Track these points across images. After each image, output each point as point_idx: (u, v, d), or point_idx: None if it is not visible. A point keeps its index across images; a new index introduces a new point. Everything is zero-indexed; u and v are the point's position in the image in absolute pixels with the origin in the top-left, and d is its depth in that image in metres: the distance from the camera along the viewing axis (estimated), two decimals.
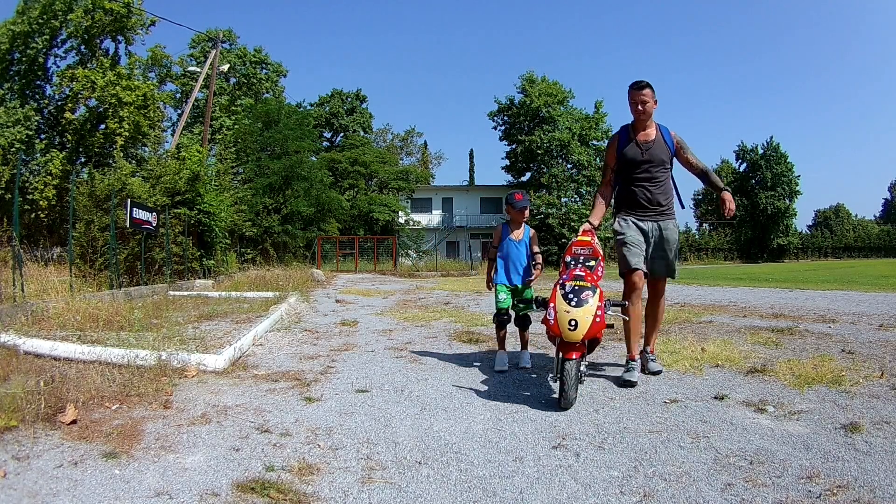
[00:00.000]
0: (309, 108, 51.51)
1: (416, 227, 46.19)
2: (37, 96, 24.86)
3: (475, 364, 5.33)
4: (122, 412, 3.63)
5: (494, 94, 48.31)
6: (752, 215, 64.22)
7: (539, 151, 43.30)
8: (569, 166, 44.28)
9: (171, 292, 12.42)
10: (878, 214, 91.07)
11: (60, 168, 22.67)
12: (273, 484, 2.55)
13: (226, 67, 31.04)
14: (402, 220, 44.07)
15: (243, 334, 6.34)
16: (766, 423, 3.41)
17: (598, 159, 44.77)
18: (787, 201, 63.58)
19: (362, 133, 54.31)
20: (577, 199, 44.12)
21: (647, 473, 2.69)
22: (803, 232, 77.67)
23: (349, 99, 55.33)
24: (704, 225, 74.03)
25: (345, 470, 2.78)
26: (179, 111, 35.66)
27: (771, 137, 66.59)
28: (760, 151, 65.25)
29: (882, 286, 14.22)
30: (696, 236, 68.53)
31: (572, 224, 39.61)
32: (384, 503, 2.43)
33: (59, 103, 24.57)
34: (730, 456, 2.90)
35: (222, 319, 8.40)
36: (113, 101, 23.00)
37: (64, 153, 23.67)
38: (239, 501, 2.41)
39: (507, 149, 47.70)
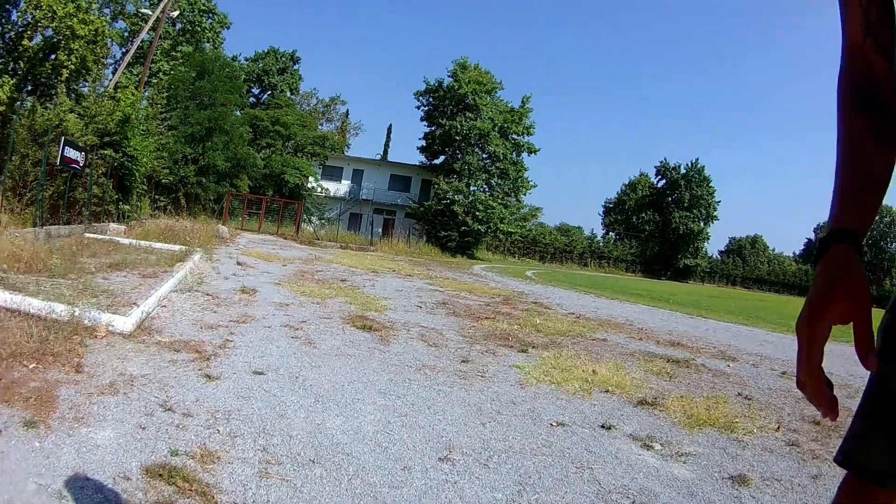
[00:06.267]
0: (244, 62, 50.61)
1: (323, 193, 45.66)
2: (2, 20, 24.51)
3: (368, 354, 5.47)
4: (38, 373, 3.61)
5: (425, 75, 47.59)
6: (663, 232, 63.37)
7: (457, 137, 42.75)
8: (484, 156, 44.02)
9: (87, 234, 12.95)
10: (797, 252, 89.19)
11: (9, 95, 22.20)
12: (179, 471, 2.61)
13: (175, 14, 30.72)
14: (311, 186, 43.42)
15: (150, 294, 6.40)
16: (651, 462, 3.45)
17: (514, 153, 44.69)
18: (701, 224, 62.95)
19: (289, 94, 53.28)
20: (487, 189, 44.13)
21: (529, 500, 2.81)
22: (714, 256, 77.57)
23: (283, 59, 54.12)
24: (611, 233, 73.66)
25: (243, 461, 2.86)
26: (124, 49, 34.47)
27: (696, 159, 65.57)
28: (683, 171, 64.32)
29: (790, 327, 12.12)
30: (601, 243, 67.89)
31: (477, 213, 39.65)
32: (281, 502, 2.53)
33: (21, 30, 24.25)
34: (612, 492, 2.97)
35: (130, 271, 8.57)
36: (67, 32, 22.87)
37: (14, 80, 23.31)
38: (148, 488, 2.46)
39: (427, 130, 46.82)
